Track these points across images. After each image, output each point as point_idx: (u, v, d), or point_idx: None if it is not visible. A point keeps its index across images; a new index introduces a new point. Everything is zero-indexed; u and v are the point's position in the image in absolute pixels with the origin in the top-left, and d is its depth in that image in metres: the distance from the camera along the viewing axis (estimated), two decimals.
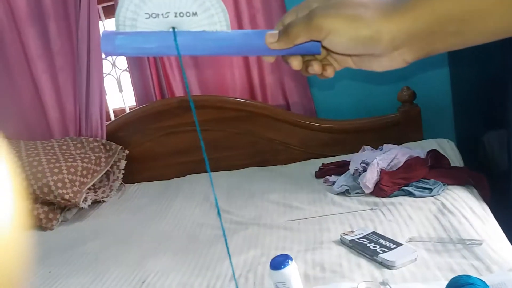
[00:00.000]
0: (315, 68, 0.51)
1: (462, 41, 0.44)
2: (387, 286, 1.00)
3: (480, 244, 1.09)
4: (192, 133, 2.11)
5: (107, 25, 2.25)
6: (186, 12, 0.49)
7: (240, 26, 2.04)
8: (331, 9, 0.45)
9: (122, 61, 2.26)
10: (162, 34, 0.49)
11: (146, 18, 0.49)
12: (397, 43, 0.44)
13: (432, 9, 0.42)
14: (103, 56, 1.97)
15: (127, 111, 2.28)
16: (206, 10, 0.49)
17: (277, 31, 0.49)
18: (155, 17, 0.49)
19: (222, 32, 0.49)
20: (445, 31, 0.42)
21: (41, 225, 1.82)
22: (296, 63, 0.50)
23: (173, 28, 0.49)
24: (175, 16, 0.49)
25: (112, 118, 2.32)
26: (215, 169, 2.07)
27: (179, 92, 2.15)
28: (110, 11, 2.21)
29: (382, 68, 0.48)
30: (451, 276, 0.92)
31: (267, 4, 2.00)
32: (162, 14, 0.49)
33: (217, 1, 0.49)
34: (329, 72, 0.52)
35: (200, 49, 0.49)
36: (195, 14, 0.49)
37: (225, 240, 0.48)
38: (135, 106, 2.21)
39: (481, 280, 0.83)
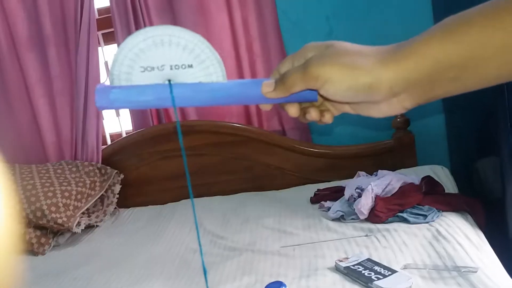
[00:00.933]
0: (313, 115, 0.50)
1: (462, 87, 0.43)
2: None
3: (475, 272, 1.09)
4: (187, 157, 2.11)
5: (106, 51, 2.29)
6: (182, 65, 0.49)
7: (237, 54, 2.08)
8: (327, 58, 0.45)
9: None
10: (157, 87, 0.48)
11: (141, 71, 0.49)
12: (396, 91, 0.43)
13: (431, 56, 0.41)
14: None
15: (124, 135, 2.29)
16: (201, 62, 0.49)
17: (273, 80, 0.48)
18: (150, 70, 0.48)
19: (218, 83, 0.49)
20: (445, 77, 0.42)
21: (32, 250, 1.79)
22: (293, 111, 0.50)
23: (169, 80, 0.49)
24: (171, 69, 0.49)
25: (109, 142, 2.33)
26: (210, 193, 2.07)
27: (175, 117, 2.16)
28: (110, 38, 2.25)
29: (381, 114, 0.47)
30: None
31: (263, 32, 2.04)
32: (158, 67, 0.49)
33: (212, 52, 0.49)
34: (327, 118, 0.52)
35: (197, 101, 0.49)
36: (190, 66, 0.49)
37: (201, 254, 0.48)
38: (131, 131, 2.22)
39: None
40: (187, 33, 0.49)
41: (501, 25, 0.38)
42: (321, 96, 0.48)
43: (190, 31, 0.50)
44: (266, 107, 0.51)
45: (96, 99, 0.48)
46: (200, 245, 0.48)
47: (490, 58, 0.40)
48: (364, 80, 0.43)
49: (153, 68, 0.49)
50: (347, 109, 0.51)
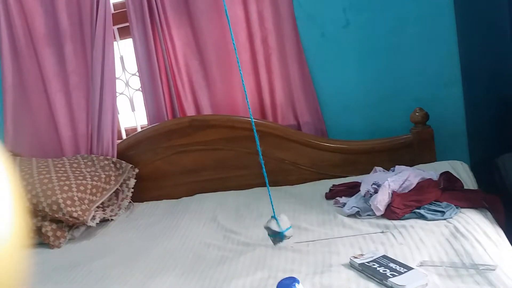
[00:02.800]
0: None
1: None
2: None
3: (494, 270, 1.05)
4: (202, 152, 2.11)
5: (121, 46, 2.29)
6: None
7: (252, 47, 2.06)
8: None
9: (135, 81, 2.29)
10: None
11: None
12: None
13: None
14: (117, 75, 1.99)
15: (139, 130, 2.30)
16: None
17: None
18: None
19: None
20: None
21: (48, 243, 1.82)
22: None
23: None
24: None
25: (124, 137, 2.34)
26: (224, 188, 2.06)
27: (190, 111, 2.16)
28: (125, 32, 2.26)
29: None
30: None
31: (279, 25, 2.02)
32: None
33: None
34: None
35: None
36: None
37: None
38: (146, 125, 2.23)
39: None
40: None
41: None
42: None
43: None
44: None
45: None
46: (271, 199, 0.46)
47: None
48: None
49: None
50: None
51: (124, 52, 2.30)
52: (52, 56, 2.21)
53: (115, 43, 2.21)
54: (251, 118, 0.46)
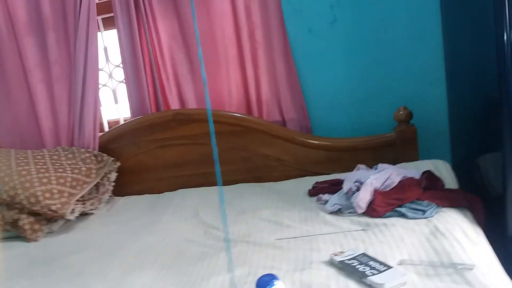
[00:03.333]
0: None
1: None
2: None
3: (471, 269, 1.06)
4: (186, 146, 2.09)
5: (105, 36, 2.25)
6: None
7: (239, 41, 2.04)
8: None
9: (119, 73, 2.26)
10: None
11: None
12: None
13: None
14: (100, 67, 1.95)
15: (122, 122, 2.26)
16: None
17: None
18: None
19: None
20: None
21: (25, 236, 1.78)
22: None
23: None
24: None
25: (106, 129, 2.30)
26: (207, 183, 2.04)
27: (174, 105, 2.14)
28: (109, 23, 2.22)
29: None
30: None
31: (266, 20, 2.01)
32: None
33: None
34: None
35: None
36: None
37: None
38: (130, 118, 2.20)
39: None
40: None
41: None
42: None
43: None
44: None
45: None
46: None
47: None
48: None
49: None
50: None
51: (108, 43, 2.26)
52: (34, 46, 2.16)
53: (99, 33, 2.17)
54: (208, 109, 0.42)
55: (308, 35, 2.03)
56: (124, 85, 2.18)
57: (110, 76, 2.29)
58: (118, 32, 2.09)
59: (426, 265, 1.13)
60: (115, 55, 2.22)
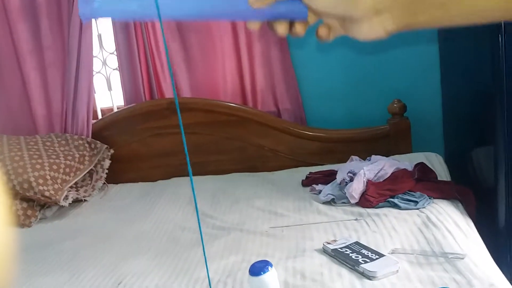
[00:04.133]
0: (298, 29, 0.49)
1: (447, 16, 0.42)
2: None
3: (462, 258, 1.08)
4: (180, 135, 2.08)
5: (100, 23, 2.23)
6: None
7: (234, 31, 2.03)
8: None
9: (113, 60, 2.24)
10: None
11: None
12: (378, 7, 0.42)
13: None
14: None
15: (115, 110, 2.25)
16: None
17: None
18: None
19: None
20: (431, 2, 0.41)
21: (18, 222, 1.77)
22: (281, 28, 0.48)
23: None
24: None
25: (100, 117, 2.29)
26: (202, 173, 2.05)
27: (169, 93, 2.13)
28: None
29: (362, 36, 0.46)
30: None
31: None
32: None
33: None
34: (321, 33, 0.50)
35: (183, 12, 0.47)
36: None
37: (203, 247, 0.45)
38: (123, 106, 2.19)
39: None
40: None
41: None
42: (305, 4, 0.47)
43: None
44: (254, 26, 0.48)
45: (80, 8, 0.45)
46: (199, 221, 0.45)
47: None
48: None
49: None
50: (335, 30, 0.49)
51: (102, 30, 2.24)
52: (27, 31, 2.13)
53: (93, 20, 2.15)
54: (175, 97, 0.45)
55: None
56: (118, 72, 2.16)
57: (104, 63, 2.27)
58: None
59: (418, 254, 1.14)
60: (109, 42, 2.20)
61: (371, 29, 0.45)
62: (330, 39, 0.50)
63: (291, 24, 0.49)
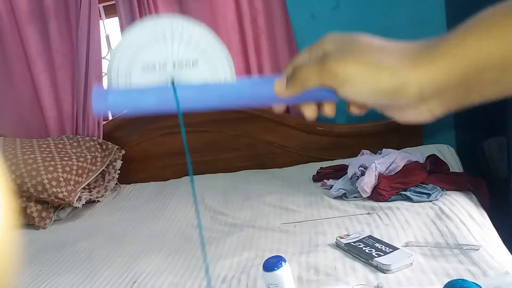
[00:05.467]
0: (327, 111, 0.45)
1: (503, 90, 0.37)
2: None
3: (477, 250, 1.07)
4: (190, 134, 2.09)
5: (107, 24, 2.25)
6: (186, 62, 0.44)
7: (241, 28, 2.03)
8: (349, 53, 0.39)
9: None
10: (159, 89, 0.43)
11: (141, 70, 0.44)
12: (426, 96, 0.37)
13: (467, 55, 0.35)
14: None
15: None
16: (207, 58, 0.44)
17: (284, 77, 0.44)
18: (151, 69, 0.44)
19: (227, 83, 0.44)
20: (484, 80, 0.36)
21: (34, 224, 1.80)
22: (309, 112, 0.44)
23: (172, 81, 0.44)
24: (174, 67, 0.44)
25: (110, 118, 2.31)
26: (212, 170, 2.05)
27: None
28: (111, 11, 2.21)
29: (405, 119, 0.41)
30: (447, 281, 0.89)
31: (268, 6, 1.99)
32: (159, 65, 0.44)
33: (219, 47, 0.44)
34: (353, 110, 0.46)
35: (204, 103, 0.44)
36: (195, 63, 0.44)
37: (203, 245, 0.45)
38: None
39: (477, 284, 0.81)
40: (191, 24, 0.45)
41: None
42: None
43: (194, 21, 0.45)
44: (279, 109, 0.46)
45: (93, 103, 0.43)
46: (199, 220, 0.45)
47: None
48: (388, 82, 0.37)
49: (154, 66, 0.44)
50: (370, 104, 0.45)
51: (110, 31, 2.25)
52: (36, 35, 2.16)
53: (100, 21, 2.16)
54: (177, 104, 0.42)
55: (311, 21, 2.02)
56: None
57: None
58: (120, 19, 2.09)
59: (432, 247, 1.14)
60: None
61: (417, 115, 0.40)
62: (363, 114, 0.46)
63: (320, 105, 0.45)
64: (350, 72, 0.38)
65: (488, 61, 0.35)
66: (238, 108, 0.44)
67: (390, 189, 1.48)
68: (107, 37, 2.25)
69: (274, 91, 0.43)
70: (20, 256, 0.30)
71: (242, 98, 0.44)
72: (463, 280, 0.83)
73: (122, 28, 2.10)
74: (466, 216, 1.27)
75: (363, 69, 0.38)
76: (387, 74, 0.37)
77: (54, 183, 1.79)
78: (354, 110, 0.45)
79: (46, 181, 1.78)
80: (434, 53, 0.37)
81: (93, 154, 1.99)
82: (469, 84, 0.37)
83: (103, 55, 2.18)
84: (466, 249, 1.08)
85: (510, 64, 0.35)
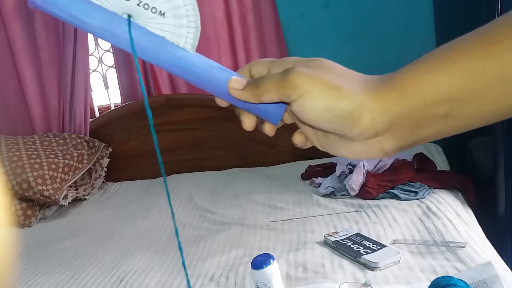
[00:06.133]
0: (267, 129, 0.44)
1: (454, 126, 0.37)
2: (369, 287, 0.98)
3: (464, 247, 1.08)
4: (178, 132, 2.08)
5: None
6: (153, 7, 0.40)
7: (230, 25, 2.02)
8: (311, 70, 0.39)
9: (109, 58, 2.23)
10: (111, 16, 0.39)
11: None
12: (377, 127, 0.37)
13: (416, 89, 0.36)
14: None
15: (113, 108, 2.24)
16: (177, 17, 0.40)
17: (244, 78, 0.42)
18: None
19: (184, 50, 0.41)
20: (434, 114, 0.36)
21: (18, 222, 1.77)
22: (248, 122, 0.43)
23: (129, 16, 0.40)
24: (138, 4, 0.39)
25: (97, 115, 2.28)
26: (201, 168, 2.04)
27: (166, 89, 2.12)
28: None
29: (354, 156, 0.40)
30: (434, 278, 0.90)
31: (257, 3, 1.99)
32: None
33: (195, 13, 0.40)
34: (296, 141, 0.45)
35: (151, 57, 0.41)
36: (162, 14, 0.40)
37: (179, 244, 0.43)
38: (120, 104, 2.18)
39: (463, 281, 0.82)
40: None
41: (497, 51, 0.33)
42: (292, 112, 0.40)
43: None
44: (222, 103, 0.43)
45: None
46: (175, 225, 0.43)
47: (485, 90, 0.34)
48: (346, 105, 0.37)
49: None
50: (313, 139, 0.43)
51: None
52: (22, 31, 2.12)
53: None
54: (145, 98, 0.37)
55: (300, 20, 2.02)
56: (114, 70, 2.16)
57: (100, 61, 2.26)
58: None
59: (419, 244, 1.15)
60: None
61: (367, 149, 0.39)
62: (306, 147, 0.45)
63: (262, 121, 0.43)
64: (310, 87, 0.38)
65: (438, 94, 0.35)
66: (182, 77, 0.40)
67: (378, 187, 1.49)
68: None
69: (228, 85, 0.41)
70: (15, 254, 0.30)
71: (192, 72, 0.41)
72: (449, 277, 0.84)
73: None
74: (453, 214, 1.28)
75: (323, 87, 0.37)
76: (345, 97, 0.37)
77: (39, 180, 1.76)
78: (298, 139, 0.44)
79: (31, 179, 1.75)
80: (387, 85, 0.37)
81: (79, 151, 1.96)
82: (420, 118, 0.36)
83: (90, 52, 2.15)
84: (452, 246, 1.10)
85: (458, 99, 0.35)
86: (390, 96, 0.36)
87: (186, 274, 0.46)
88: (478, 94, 0.34)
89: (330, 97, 0.37)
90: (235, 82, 0.41)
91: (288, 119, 0.44)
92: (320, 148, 0.43)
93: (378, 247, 1.13)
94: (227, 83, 0.41)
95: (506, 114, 0.36)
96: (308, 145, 0.45)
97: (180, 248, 0.44)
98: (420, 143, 0.39)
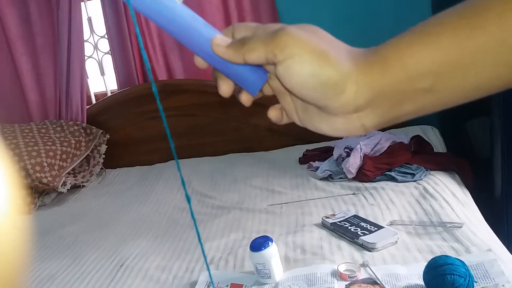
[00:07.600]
0: (243, 98, 0.42)
1: (437, 101, 0.36)
2: (367, 267, 1.00)
3: (460, 227, 1.09)
4: (175, 118, 2.08)
5: (89, 6, 2.20)
6: None
7: (226, 9, 2.01)
8: (302, 33, 0.37)
9: (104, 44, 2.21)
10: None
11: None
12: (360, 101, 0.36)
13: (399, 62, 0.35)
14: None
15: (109, 95, 2.24)
16: None
17: (229, 38, 0.40)
18: None
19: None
20: (416, 88, 0.35)
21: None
22: (225, 88, 0.41)
23: None
24: None
25: (94, 102, 2.27)
26: (199, 154, 2.05)
27: (162, 76, 2.11)
28: None
29: (333, 131, 0.39)
30: (431, 258, 0.91)
31: (256, 5, 1.97)
32: None
33: None
34: (271, 115, 0.43)
35: (137, 2, 0.38)
36: None
37: (196, 229, 0.43)
38: (117, 90, 2.17)
39: (460, 260, 0.83)
40: None
41: (480, 24, 0.33)
42: (277, 76, 0.38)
43: None
44: (201, 64, 0.41)
45: None
46: (189, 202, 0.43)
47: (468, 63, 0.34)
48: (332, 73, 0.36)
49: None
50: (292, 113, 0.42)
51: (92, 13, 2.20)
52: (17, 17, 2.10)
53: (82, 3, 2.11)
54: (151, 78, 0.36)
55: (297, 4, 2.00)
56: (110, 56, 2.14)
57: (95, 47, 2.24)
58: (102, 2, 2.04)
59: (416, 225, 1.16)
60: (100, 26, 2.17)
61: (347, 125, 0.38)
62: (282, 123, 0.44)
63: (239, 88, 0.42)
64: (300, 49, 0.36)
65: (420, 68, 0.35)
66: (165, 29, 0.37)
67: (375, 169, 1.50)
68: (89, 20, 2.20)
69: (212, 42, 0.39)
70: (26, 242, 0.30)
71: (176, 22, 0.39)
72: (446, 256, 0.85)
73: (105, 10, 2.05)
74: (450, 195, 1.29)
75: (313, 52, 0.36)
76: (333, 66, 0.36)
77: (37, 168, 1.76)
78: (274, 114, 0.43)
79: (29, 166, 1.75)
80: (371, 58, 0.37)
81: (77, 138, 1.96)
82: (403, 91, 0.36)
83: (85, 38, 2.14)
84: (449, 227, 1.11)
85: (441, 73, 0.35)
86: (374, 69, 0.36)
87: (203, 250, 0.46)
88: (461, 67, 0.34)
89: (318, 63, 0.36)
90: (220, 39, 0.39)
91: (268, 91, 0.43)
92: (299, 123, 0.42)
93: (376, 228, 1.14)
94: (211, 40, 0.39)
95: (489, 88, 0.36)
96: (285, 121, 0.44)
97: (196, 227, 0.43)
98: (402, 119, 0.38)
